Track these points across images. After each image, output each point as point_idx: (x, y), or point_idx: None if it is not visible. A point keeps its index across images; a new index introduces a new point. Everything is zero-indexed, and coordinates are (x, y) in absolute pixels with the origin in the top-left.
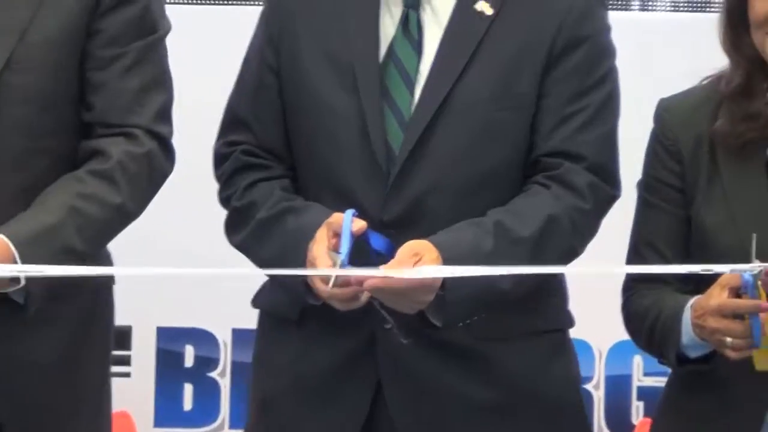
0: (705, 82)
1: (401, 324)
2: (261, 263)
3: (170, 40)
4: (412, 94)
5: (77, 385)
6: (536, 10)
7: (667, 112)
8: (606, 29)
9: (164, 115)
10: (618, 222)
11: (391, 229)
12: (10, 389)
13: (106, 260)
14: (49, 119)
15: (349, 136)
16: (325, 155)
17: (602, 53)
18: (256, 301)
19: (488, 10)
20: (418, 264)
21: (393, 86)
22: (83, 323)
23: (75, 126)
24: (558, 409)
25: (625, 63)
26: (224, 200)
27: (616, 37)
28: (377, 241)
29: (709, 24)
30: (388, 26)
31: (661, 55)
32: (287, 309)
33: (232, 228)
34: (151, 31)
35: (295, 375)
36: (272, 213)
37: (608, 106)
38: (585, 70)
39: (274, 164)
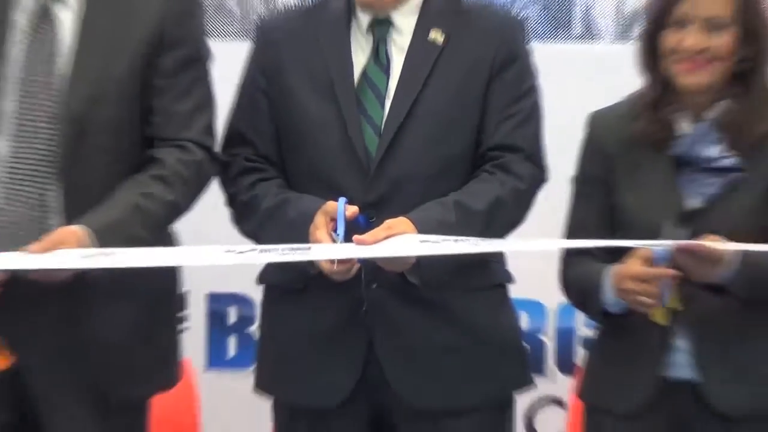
0: (627, 98)
1: (389, 284)
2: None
3: None
4: (383, 107)
5: (156, 347)
6: (477, 36)
7: (596, 120)
8: (529, 52)
9: (210, 130)
10: (560, 208)
11: (372, 209)
12: (84, 366)
13: (173, 240)
14: (124, 142)
15: (332, 141)
16: (313, 157)
17: (528, 70)
18: (262, 279)
19: (439, 38)
20: (391, 235)
21: (368, 102)
22: (159, 294)
23: (141, 143)
24: (506, 349)
25: (566, 86)
26: (231, 196)
27: (560, 63)
28: (358, 220)
29: (627, 54)
30: (359, 54)
31: (596, 81)
32: (294, 281)
33: (241, 218)
34: (200, 62)
35: (304, 334)
36: (274, 203)
37: (535, 113)
38: (518, 81)
39: (269, 168)
